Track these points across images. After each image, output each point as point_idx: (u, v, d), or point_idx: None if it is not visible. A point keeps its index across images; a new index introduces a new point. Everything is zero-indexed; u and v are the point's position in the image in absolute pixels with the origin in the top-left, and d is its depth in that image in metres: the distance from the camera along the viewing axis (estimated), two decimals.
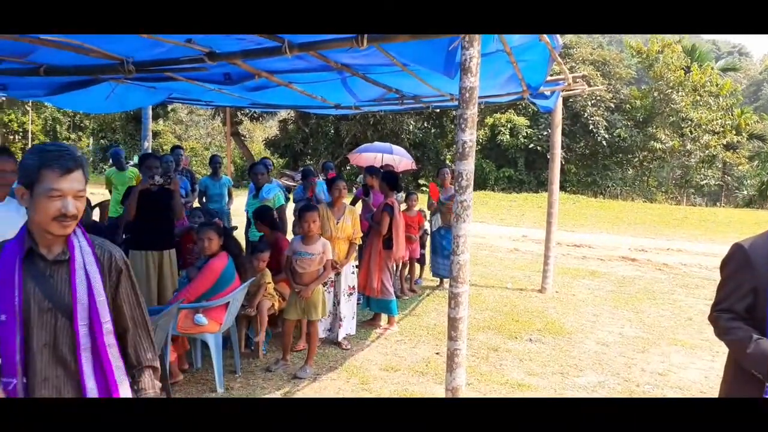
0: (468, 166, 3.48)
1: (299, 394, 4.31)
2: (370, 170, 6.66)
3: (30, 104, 26.96)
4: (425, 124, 22.77)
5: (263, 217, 5.40)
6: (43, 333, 1.88)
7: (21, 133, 29.33)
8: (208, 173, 7.82)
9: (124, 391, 1.93)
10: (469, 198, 3.55)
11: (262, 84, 4.99)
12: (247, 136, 29.03)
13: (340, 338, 5.32)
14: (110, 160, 8.41)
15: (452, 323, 3.60)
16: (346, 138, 21.74)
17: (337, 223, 5.22)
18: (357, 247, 5.53)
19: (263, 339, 5.10)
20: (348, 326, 5.50)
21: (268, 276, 5.04)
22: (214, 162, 7.58)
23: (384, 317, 5.94)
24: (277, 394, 4.30)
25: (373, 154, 9.17)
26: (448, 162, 21.59)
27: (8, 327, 1.82)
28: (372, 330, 5.81)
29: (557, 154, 7.32)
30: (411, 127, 21.39)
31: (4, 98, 13.25)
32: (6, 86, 4.78)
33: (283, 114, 24.88)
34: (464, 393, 3.74)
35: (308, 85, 5.36)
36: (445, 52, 3.77)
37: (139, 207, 4.88)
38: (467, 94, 3.50)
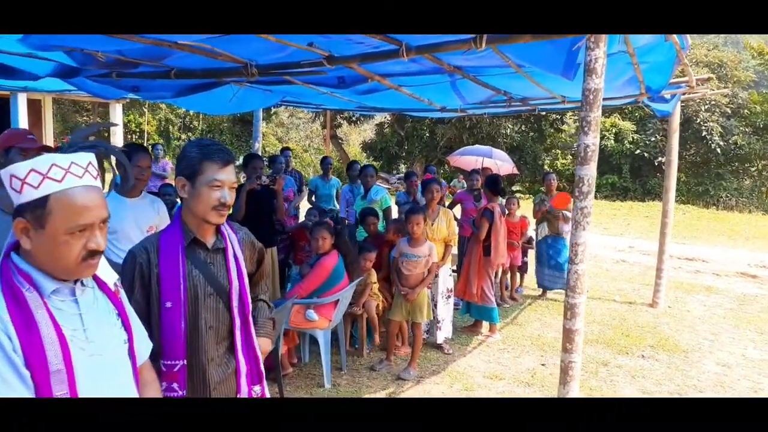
0: (590, 171, 3.33)
1: (404, 395, 4.32)
2: (474, 173, 6.58)
3: (146, 106, 28.99)
4: (523, 128, 22.23)
5: (370, 217, 5.49)
6: (209, 316, 2.03)
7: (138, 133, 31.62)
8: (318, 174, 8.06)
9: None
10: (590, 205, 3.40)
11: (373, 87, 5.05)
12: (343, 139, 29.67)
13: (439, 341, 5.29)
14: None
15: (567, 335, 3.46)
16: (441, 141, 21.66)
17: (432, 224, 5.20)
18: (452, 249, 5.48)
19: (378, 339, 5.19)
20: (446, 329, 5.46)
21: (374, 276, 5.10)
22: (326, 163, 7.80)
23: (485, 324, 5.83)
24: (382, 394, 4.33)
25: (474, 158, 9.04)
26: (546, 167, 20.97)
27: (174, 313, 1.95)
28: (473, 336, 5.73)
29: (674, 161, 6.88)
30: (508, 131, 20.97)
31: (127, 100, 14.32)
32: (138, 88, 5.14)
33: (380, 117, 25.22)
34: None
35: (417, 87, 5.37)
36: (565, 53, 3.65)
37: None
38: (591, 96, 3.36)
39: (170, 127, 31.80)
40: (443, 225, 5.17)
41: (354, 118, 23.70)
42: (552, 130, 22.39)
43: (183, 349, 1.99)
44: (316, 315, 4.34)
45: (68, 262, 1.36)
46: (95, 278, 1.51)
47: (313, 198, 7.68)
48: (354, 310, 4.92)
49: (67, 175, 1.33)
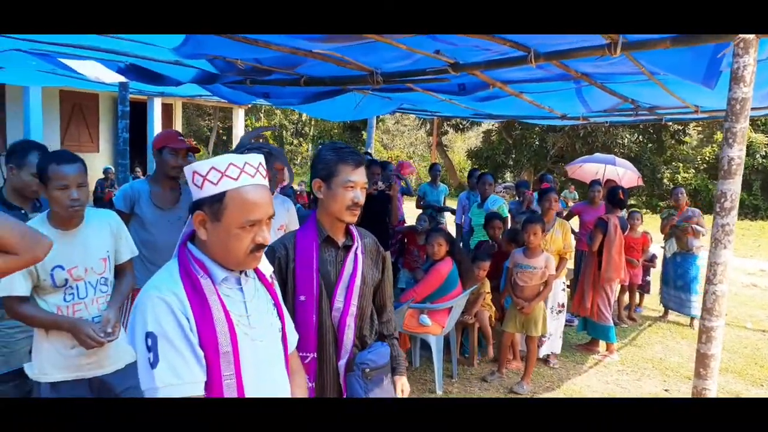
0: (734, 186, 3.09)
1: None
2: (595, 184, 6.33)
3: (263, 111, 30.55)
4: (641, 138, 21.09)
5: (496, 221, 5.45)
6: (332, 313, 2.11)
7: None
8: (428, 180, 8.13)
9: (342, 363, 2.12)
10: (732, 222, 3.15)
11: (494, 94, 5.00)
12: (448, 146, 29.63)
13: (541, 354, 5.12)
14: None
15: (702, 360, 3.22)
16: (551, 150, 21.04)
17: (547, 235, 5.05)
18: (566, 263, 5.29)
19: (492, 351, 5.14)
20: (553, 344, 5.28)
21: (487, 285, 5.05)
22: (435, 170, 7.86)
23: (602, 343, 5.58)
24: None
25: (595, 167, 8.65)
26: (666, 181, 19.76)
27: (307, 307, 2.04)
28: (589, 355, 5.50)
29: None
30: (625, 141, 19.96)
31: (249, 105, 15.19)
32: (269, 94, 5.43)
33: (487, 125, 24.93)
34: None
35: (539, 95, 5.26)
36: (707, 60, 3.43)
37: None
38: (738, 106, 3.12)
39: (284, 132, 33.29)
40: (559, 236, 5.02)
41: (461, 126, 23.59)
42: (673, 141, 21.04)
43: (314, 341, 2.07)
44: (430, 320, 4.36)
45: (238, 254, 1.47)
46: (255, 270, 1.62)
47: (422, 203, 7.74)
48: (466, 318, 4.89)
49: (242, 174, 1.44)
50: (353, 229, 2.19)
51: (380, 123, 30.53)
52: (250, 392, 1.48)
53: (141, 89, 8.18)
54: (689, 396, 3.45)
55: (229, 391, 1.45)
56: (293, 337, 1.76)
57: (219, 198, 1.43)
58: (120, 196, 3.49)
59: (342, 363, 2.13)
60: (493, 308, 5.15)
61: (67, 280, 2.42)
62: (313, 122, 30.44)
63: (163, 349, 1.37)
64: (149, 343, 1.37)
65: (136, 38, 3.51)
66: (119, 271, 2.66)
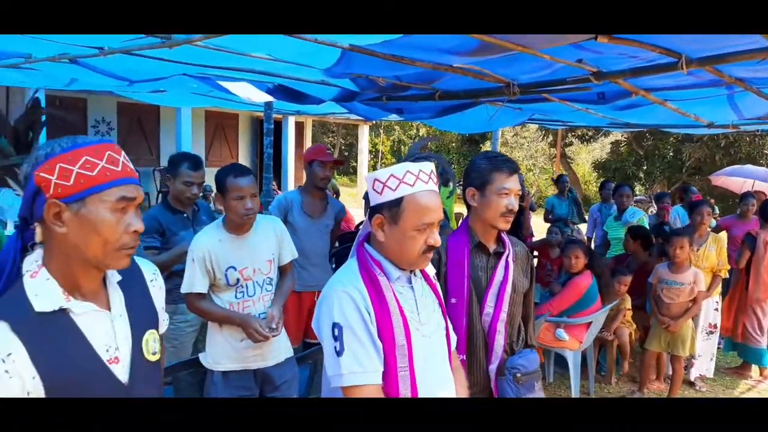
0: None
1: None
2: (748, 197, 5.86)
3: (381, 127, 31.35)
4: None
5: (639, 236, 5.23)
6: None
7: (373, 153, 34.37)
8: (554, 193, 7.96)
9: (493, 368, 2.15)
10: None
11: (635, 102, 4.81)
12: (572, 158, 28.62)
13: (692, 377, 4.80)
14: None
15: None
16: (687, 161, 19.62)
17: (698, 250, 4.75)
18: (719, 280, 4.93)
19: (627, 363, 4.94)
20: (703, 366, 4.95)
21: (628, 302, 4.84)
22: (562, 181, 7.69)
23: (755, 368, 5.14)
24: None
25: (742, 179, 8.00)
26: None
27: (458, 309, 2.12)
28: (740, 380, 5.08)
29: None
30: None
31: (372, 122, 15.71)
32: (402, 110, 5.62)
33: (615, 135, 23.78)
34: None
35: (685, 102, 4.98)
36: None
37: None
38: None
39: (402, 147, 33.91)
40: (713, 252, 4.71)
41: (587, 136, 22.72)
42: None
43: (464, 344, 2.14)
44: (567, 335, 4.26)
45: (412, 254, 1.58)
46: (422, 271, 1.73)
47: (549, 217, 7.58)
48: (604, 335, 4.72)
49: (417, 181, 1.56)
50: (505, 236, 2.24)
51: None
52: (421, 384, 1.58)
53: (279, 109, 8.78)
54: None
55: (404, 382, 1.56)
56: (453, 337, 1.84)
57: (397, 203, 1.55)
58: (275, 206, 3.80)
59: (493, 367, 2.17)
60: (634, 326, 4.92)
61: (238, 280, 2.69)
62: (432, 136, 30.74)
63: (347, 339, 1.50)
64: (335, 333, 1.51)
65: (288, 59, 3.81)
66: (281, 272, 2.90)
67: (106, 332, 1.25)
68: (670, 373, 4.56)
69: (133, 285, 1.37)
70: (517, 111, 5.94)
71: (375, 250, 1.64)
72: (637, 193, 21.49)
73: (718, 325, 5.03)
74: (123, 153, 1.24)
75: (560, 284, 4.53)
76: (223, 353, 2.72)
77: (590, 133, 21.94)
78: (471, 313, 2.15)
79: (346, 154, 28.80)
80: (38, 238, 1.22)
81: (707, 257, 4.72)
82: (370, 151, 34.51)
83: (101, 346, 1.23)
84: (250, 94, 5.62)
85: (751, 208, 5.88)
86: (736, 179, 8.08)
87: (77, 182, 1.15)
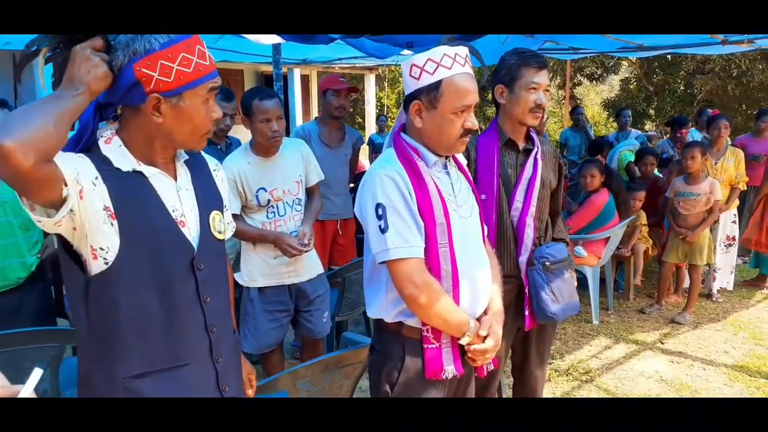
0: None
1: (679, 338, 4.15)
2: None
3: (386, 81, 30.93)
4: None
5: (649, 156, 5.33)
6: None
7: (378, 107, 34.08)
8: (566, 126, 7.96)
9: (523, 259, 2.25)
10: None
11: None
12: (581, 100, 28.25)
13: (713, 290, 4.91)
14: None
15: None
16: (699, 95, 19.31)
17: (716, 163, 4.78)
18: (738, 192, 4.97)
19: (639, 281, 5.05)
20: (724, 279, 5.05)
21: (644, 218, 4.92)
22: (577, 113, 7.75)
23: None
24: (655, 335, 4.21)
25: None
26: None
27: (488, 206, 2.20)
28: (756, 290, 5.18)
29: None
30: None
31: (378, 71, 15.56)
32: (412, 44, 5.57)
33: (625, 72, 23.38)
34: None
35: None
36: None
37: None
38: None
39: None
40: (731, 164, 4.75)
41: (596, 75, 22.34)
42: None
43: (495, 238, 2.23)
44: (585, 251, 4.36)
45: (450, 138, 1.65)
46: (455, 160, 1.80)
47: (564, 151, 7.59)
48: (622, 251, 4.82)
49: (454, 63, 1.60)
50: (533, 134, 2.30)
51: None
52: (460, 259, 1.67)
53: (284, 59, 8.73)
54: None
55: (444, 257, 1.64)
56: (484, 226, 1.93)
57: (436, 86, 1.60)
58: (294, 137, 3.86)
59: (523, 259, 2.27)
60: (650, 242, 5.01)
61: (269, 201, 2.78)
62: None
63: (391, 218, 1.58)
64: (380, 213, 1.59)
65: None
66: (309, 193, 2.99)
67: (173, 197, 1.37)
68: (687, 286, 4.69)
69: (199, 168, 1.49)
70: (529, 38, 5.89)
71: (411, 138, 1.71)
72: (647, 130, 21.29)
73: (737, 238, 5.09)
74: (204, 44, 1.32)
75: (578, 203, 4.60)
76: (259, 270, 2.84)
77: (599, 72, 21.55)
78: (500, 208, 2.23)
79: (351, 109, 28.51)
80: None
81: (726, 170, 4.76)
82: (375, 105, 34.24)
83: (169, 206, 1.35)
84: (258, 36, 5.60)
85: (765, 126, 5.85)
86: None
87: (177, 79, 1.24)
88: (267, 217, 2.81)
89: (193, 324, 1.39)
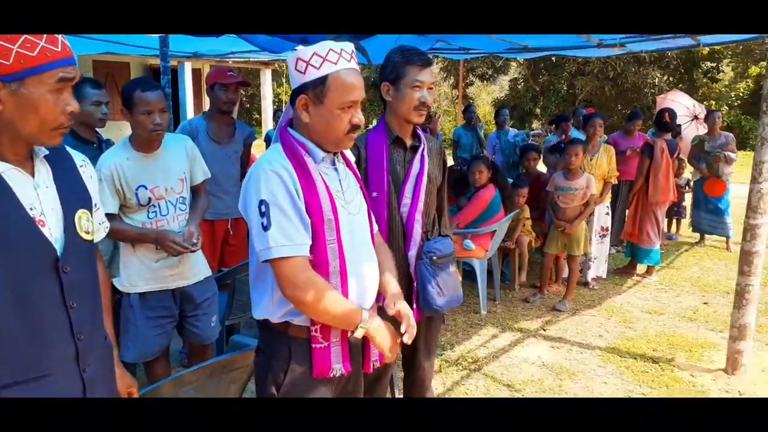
0: None
1: (560, 325, 4.42)
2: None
3: (284, 77, 30.45)
4: (671, 79, 20.61)
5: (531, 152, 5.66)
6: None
7: (276, 103, 33.49)
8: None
9: (412, 254, 2.30)
10: None
11: None
12: (474, 99, 29.34)
13: (588, 278, 5.29)
14: None
15: (746, 257, 3.36)
16: (580, 95, 20.71)
17: (591, 160, 5.15)
18: (610, 187, 5.38)
19: (526, 272, 5.31)
20: (598, 268, 5.44)
21: (527, 212, 5.19)
22: (470, 112, 7.92)
23: (640, 267, 5.69)
24: (538, 323, 4.46)
25: (690, 101, 8.49)
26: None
27: (379, 203, 2.22)
28: (627, 277, 5.64)
29: None
30: (656, 80, 19.52)
31: (274, 66, 15.26)
32: (307, 39, 5.52)
33: (513, 73, 24.58)
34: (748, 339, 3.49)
35: None
36: None
37: None
38: None
39: None
40: (604, 161, 5.12)
41: (487, 75, 23.30)
42: (705, 80, 20.51)
43: (386, 233, 2.26)
44: (473, 244, 4.53)
45: (338, 133, 1.63)
46: (343, 156, 1.80)
47: (457, 149, 7.83)
48: (507, 244, 5.06)
49: (340, 59, 1.59)
50: (419, 131, 2.34)
51: None
52: (349, 256, 1.67)
53: (173, 52, 8.33)
54: (730, 305, 3.59)
55: (332, 254, 1.63)
56: (373, 222, 1.94)
57: (322, 81, 1.58)
58: (179, 133, 3.69)
59: (412, 253, 2.32)
60: (533, 234, 5.30)
61: (150, 199, 2.64)
62: None
63: (275, 215, 1.55)
64: (262, 209, 1.55)
65: None
66: (195, 191, 2.87)
67: (29, 194, 1.27)
68: (566, 275, 5.01)
69: (62, 163, 1.38)
70: (420, 37, 6.02)
71: (299, 133, 1.68)
72: (534, 128, 22.49)
73: (610, 229, 5.50)
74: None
75: (467, 198, 4.77)
76: (139, 275, 2.69)
77: (490, 72, 22.52)
78: (390, 205, 2.26)
79: (248, 105, 27.80)
80: None
81: (599, 165, 5.12)
82: (273, 102, 33.61)
83: (25, 204, 1.25)
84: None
85: (637, 126, 6.37)
86: (683, 100, 8.50)
87: (16, 62, 1.14)
88: (148, 216, 2.67)
89: (57, 330, 1.31)
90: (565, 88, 21.43)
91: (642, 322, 4.48)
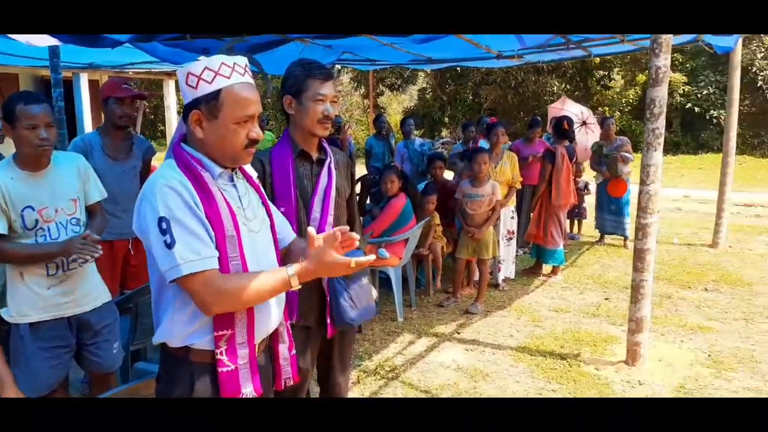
0: (661, 93, 3.43)
1: (473, 327, 4.53)
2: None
3: None
4: (568, 86, 21.84)
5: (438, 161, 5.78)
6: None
7: (182, 114, 32.37)
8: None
9: None
10: (662, 125, 3.50)
11: (432, 36, 5.14)
12: (385, 109, 29.73)
13: (498, 281, 5.47)
14: None
15: (639, 254, 3.59)
16: (485, 103, 21.49)
17: (495, 167, 5.34)
18: (515, 191, 5.60)
19: (440, 278, 5.41)
20: (507, 270, 5.65)
21: (437, 218, 5.30)
22: (380, 122, 8.01)
23: (545, 267, 5.95)
24: (453, 326, 4.55)
25: (579, 108, 8.93)
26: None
27: (288, 217, 2.17)
28: (534, 278, 5.88)
29: (735, 99, 6.76)
30: (554, 89, 20.63)
31: (176, 77, 14.74)
32: (209, 50, 5.36)
33: (422, 83, 25.11)
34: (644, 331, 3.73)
35: (476, 34, 5.44)
36: None
37: None
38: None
39: None
40: (507, 167, 5.31)
41: (396, 85, 23.68)
42: (599, 87, 21.89)
43: None
44: (388, 253, 4.54)
45: (235, 149, 1.58)
46: (243, 172, 1.74)
47: (369, 159, 7.88)
48: (420, 251, 5.13)
49: (233, 73, 1.54)
50: (325, 144, 2.32)
51: None
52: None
53: (68, 63, 7.85)
54: (628, 300, 3.81)
55: (236, 272, 1.57)
56: (288, 232, 1.89)
57: (215, 95, 1.52)
58: (71, 150, 3.47)
59: None
60: (444, 239, 5.42)
61: (37, 221, 2.46)
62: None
63: (177, 231, 1.46)
64: (163, 227, 1.46)
65: None
66: (90, 212, 2.70)
67: None
68: (477, 279, 5.15)
69: None
70: (327, 49, 6.01)
71: (194, 149, 1.61)
72: (444, 136, 23.08)
73: (516, 232, 5.72)
74: None
75: (379, 208, 4.80)
76: (29, 304, 2.49)
77: (399, 82, 22.90)
78: (299, 219, 2.22)
79: (152, 117, 26.66)
80: None
81: (503, 172, 5.31)
82: (178, 112, 32.43)
83: None
84: (29, 37, 4.97)
85: (537, 134, 6.68)
86: (573, 107, 8.95)
87: None
88: (36, 241, 2.48)
89: None
90: (471, 97, 22.15)
91: (549, 320, 4.68)
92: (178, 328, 1.57)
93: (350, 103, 34.02)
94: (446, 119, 23.61)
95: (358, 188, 6.26)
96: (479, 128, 7.70)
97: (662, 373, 3.68)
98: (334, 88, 2.20)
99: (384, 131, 7.98)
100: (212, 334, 1.56)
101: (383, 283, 5.03)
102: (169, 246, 1.46)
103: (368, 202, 6.37)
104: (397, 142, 8.63)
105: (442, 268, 5.57)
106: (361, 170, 8.53)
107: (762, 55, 19.73)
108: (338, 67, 21.77)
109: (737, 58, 6.71)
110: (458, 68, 19.67)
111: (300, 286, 1.57)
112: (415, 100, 27.11)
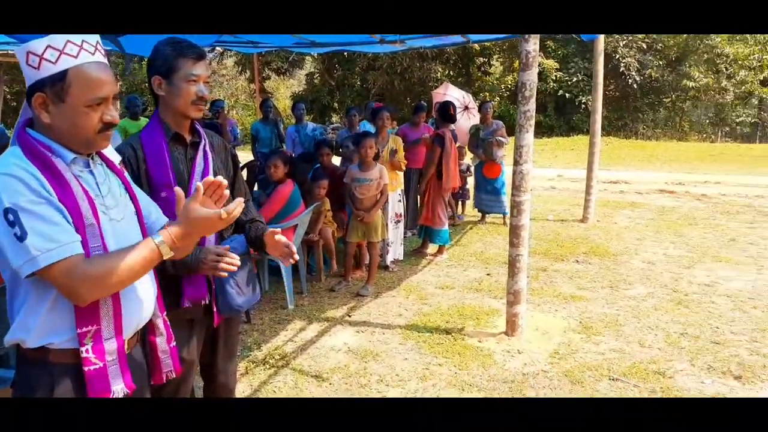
0: (531, 77, 3.61)
1: (363, 309, 4.60)
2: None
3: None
4: (451, 72, 22.61)
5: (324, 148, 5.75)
6: None
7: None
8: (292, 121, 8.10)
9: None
10: (532, 108, 3.70)
11: None
12: (272, 93, 29.12)
13: (387, 262, 5.59)
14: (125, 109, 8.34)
15: (514, 231, 3.80)
16: (372, 89, 21.71)
17: (381, 151, 5.42)
18: (400, 175, 5.73)
19: (335, 265, 5.42)
20: (395, 251, 5.78)
21: (328, 204, 5.29)
22: (266, 106, 7.90)
23: (432, 246, 6.15)
24: (344, 310, 4.59)
25: (461, 93, 9.12)
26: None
27: (170, 202, 2.07)
28: (421, 258, 6.06)
29: (600, 84, 7.33)
30: (438, 74, 21.26)
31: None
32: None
33: (309, 68, 24.88)
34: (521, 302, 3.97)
35: None
36: None
37: None
38: None
39: None
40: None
41: (283, 69, 23.28)
42: (480, 74, 22.85)
43: None
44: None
45: (88, 133, 1.46)
46: (102, 157, 1.63)
47: (256, 144, 7.72)
48: (311, 237, 5.11)
49: (81, 52, 1.42)
50: (198, 126, 2.23)
51: None
52: None
53: None
54: (505, 273, 4.02)
55: None
56: (159, 216, 1.79)
57: (61, 77, 1.40)
58: None
59: None
60: (335, 224, 5.43)
61: None
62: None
63: (27, 221, 1.33)
64: (10, 218, 1.32)
65: None
66: None
67: None
68: (368, 262, 5.22)
69: None
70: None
71: (41, 134, 1.48)
72: (334, 121, 23.06)
73: (403, 215, 5.86)
74: None
75: (266, 195, 4.71)
76: None
77: (285, 66, 22.53)
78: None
79: (14, 104, 24.33)
80: None
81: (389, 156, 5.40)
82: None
83: None
84: None
85: (422, 118, 6.85)
86: (455, 92, 9.14)
87: None
88: None
89: None
90: (359, 83, 22.29)
91: (435, 297, 4.85)
92: (34, 327, 1.45)
93: (235, 87, 33.01)
94: (336, 104, 23.60)
95: (244, 174, 6.11)
96: (365, 113, 7.77)
97: (539, 341, 3.95)
98: (206, 68, 2.11)
99: (271, 116, 7.84)
100: (75, 331, 1.45)
101: (273, 270, 4.97)
102: (21, 238, 1.34)
103: (256, 188, 6.25)
104: (286, 127, 8.51)
105: (335, 254, 5.59)
106: (248, 156, 8.34)
107: (624, 43, 21.45)
108: (219, 49, 20.94)
109: (601, 46, 7.26)
110: (345, 53, 19.69)
111: (173, 253, 1.51)
112: (303, 84, 26.83)
